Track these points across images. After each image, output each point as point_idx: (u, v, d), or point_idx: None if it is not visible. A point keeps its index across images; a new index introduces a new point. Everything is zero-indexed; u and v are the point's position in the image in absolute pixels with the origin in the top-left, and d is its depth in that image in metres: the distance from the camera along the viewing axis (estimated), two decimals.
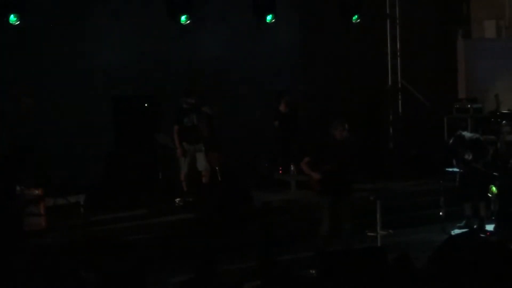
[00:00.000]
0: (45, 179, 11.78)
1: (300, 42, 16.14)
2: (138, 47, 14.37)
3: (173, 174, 13.32)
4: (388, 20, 16.77)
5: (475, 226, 11.91)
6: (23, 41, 13.12)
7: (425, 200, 13.31)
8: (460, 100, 16.57)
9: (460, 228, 11.97)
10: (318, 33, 16.06)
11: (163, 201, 12.97)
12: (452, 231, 11.78)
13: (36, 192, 11.29)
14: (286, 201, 13.11)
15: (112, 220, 11.89)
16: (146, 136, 14.04)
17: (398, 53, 16.77)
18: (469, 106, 15.96)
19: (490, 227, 11.98)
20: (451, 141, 12.41)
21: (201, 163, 12.93)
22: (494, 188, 12.24)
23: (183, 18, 13.46)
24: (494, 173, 12.19)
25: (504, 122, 15.18)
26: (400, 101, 16.86)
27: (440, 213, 12.23)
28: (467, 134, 12.34)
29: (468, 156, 12.03)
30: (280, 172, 14.43)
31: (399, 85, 16.80)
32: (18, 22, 11.86)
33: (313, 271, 9.11)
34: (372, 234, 11.27)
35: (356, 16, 15.13)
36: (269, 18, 14.32)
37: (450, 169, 12.30)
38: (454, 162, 12.29)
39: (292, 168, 13.81)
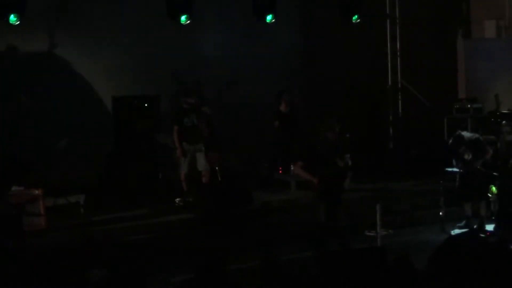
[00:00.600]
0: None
1: (300, 42, 16.15)
2: (138, 47, 14.38)
3: (173, 174, 13.31)
4: (388, 20, 16.77)
5: (475, 226, 11.91)
6: (23, 40, 13.12)
7: (425, 200, 13.31)
8: (460, 100, 16.57)
9: (460, 228, 11.97)
10: (318, 33, 16.06)
11: (163, 201, 12.97)
12: (452, 231, 11.78)
13: (36, 192, 11.28)
14: (286, 201, 13.10)
15: (112, 220, 11.89)
16: (146, 136, 14.03)
17: (398, 53, 16.76)
18: (469, 106, 15.96)
19: (490, 227, 11.99)
20: (450, 141, 12.41)
21: (201, 163, 12.93)
22: (494, 188, 12.24)
23: (183, 18, 13.45)
24: (494, 173, 12.19)
25: (504, 122, 15.18)
26: (400, 101, 16.85)
27: (440, 213, 12.24)
28: (466, 134, 12.34)
29: (468, 156, 12.03)
30: (280, 172, 14.42)
31: (399, 85, 16.80)
32: (18, 22, 11.83)
33: (313, 271, 9.10)
34: (372, 234, 11.28)
35: (356, 16, 15.12)
36: (269, 18, 14.31)
37: (450, 169, 12.30)
38: (454, 162, 12.30)
39: (292, 168, 13.78)
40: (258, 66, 15.35)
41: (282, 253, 10.30)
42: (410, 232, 12.15)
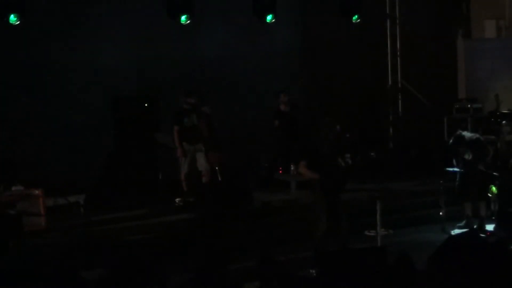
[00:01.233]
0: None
1: (300, 42, 16.14)
2: (138, 47, 14.38)
3: (173, 174, 13.31)
4: (388, 20, 16.78)
5: (475, 226, 11.90)
6: (23, 41, 13.12)
7: (425, 200, 13.31)
8: (460, 100, 16.59)
9: (460, 228, 11.96)
10: (318, 33, 16.06)
11: (163, 201, 12.97)
12: (452, 231, 11.77)
13: (36, 192, 11.28)
14: (286, 201, 13.09)
15: (112, 220, 11.87)
16: (146, 136, 14.03)
17: (398, 53, 16.78)
18: (469, 106, 15.97)
19: (490, 227, 11.98)
20: (451, 141, 12.40)
21: (201, 163, 12.92)
22: (494, 188, 12.24)
23: (183, 18, 13.44)
24: (494, 173, 12.19)
25: (504, 122, 15.19)
26: (400, 101, 16.86)
27: (440, 213, 12.23)
28: (467, 134, 12.33)
29: (468, 156, 12.03)
30: (280, 172, 14.41)
31: (399, 85, 16.80)
32: (18, 22, 11.83)
33: (313, 271, 9.11)
34: (372, 234, 11.28)
35: (356, 16, 15.11)
36: (269, 18, 14.30)
37: (451, 169, 12.28)
38: (454, 162, 12.29)
39: (292, 168, 13.79)
40: (258, 66, 15.36)
41: (282, 253, 10.32)
42: (410, 232, 12.14)
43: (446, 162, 12.66)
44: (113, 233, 11.31)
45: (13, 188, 11.30)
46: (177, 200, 12.93)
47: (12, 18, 11.79)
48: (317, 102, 15.87)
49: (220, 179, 13.29)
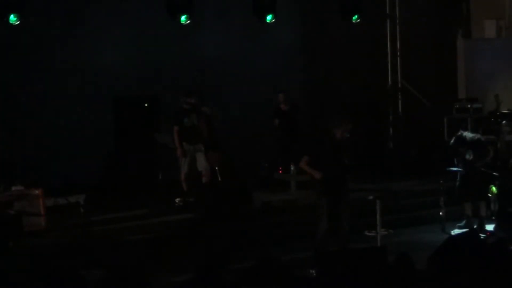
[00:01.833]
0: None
1: (300, 42, 16.14)
2: (138, 47, 14.39)
3: (173, 174, 13.31)
4: (388, 20, 16.77)
5: (475, 226, 11.89)
6: (23, 41, 13.12)
7: (425, 200, 13.30)
8: (460, 100, 16.57)
9: (460, 228, 11.96)
10: (318, 33, 16.07)
11: (163, 201, 12.96)
12: (452, 231, 11.78)
13: (36, 192, 11.28)
14: (286, 201, 13.09)
15: (112, 220, 11.87)
16: (146, 136, 14.03)
17: (398, 53, 16.77)
18: (469, 106, 15.96)
19: (490, 227, 11.98)
20: (452, 141, 12.39)
21: (201, 163, 12.91)
22: (494, 188, 12.23)
23: (183, 18, 13.42)
24: (494, 173, 12.18)
25: (504, 122, 15.18)
26: (400, 101, 16.85)
27: (440, 213, 12.22)
28: (468, 134, 12.31)
29: (469, 156, 12.02)
30: (280, 172, 14.40)
31: (399, 85, 16.79)
32: (18, 22, 11.82)
33: (313, 271, 9.11)
34: (372, 234, 11.27)
35: (356, 16, 15.08)
36: (269, 18, 14.28)
37: (454, 169, 12.25)
38: (455, 161, 12.28)
39: (292, 168, 13.79)
40: (258, 66, 15.36)
41: (282, 253, 10.32)
42: (410, 232, 12.14)
43: (446, 162, 12.65)
44: (113, 233, 11.31)
45: (13, 188, 11.29)
46: (177, 200, 12.93)
47: (12, 18, 11.78)
48: (316, 102, 15.86)
49: (220, 179, 13.29)
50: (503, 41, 17.39)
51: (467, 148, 12.03)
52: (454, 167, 12.25)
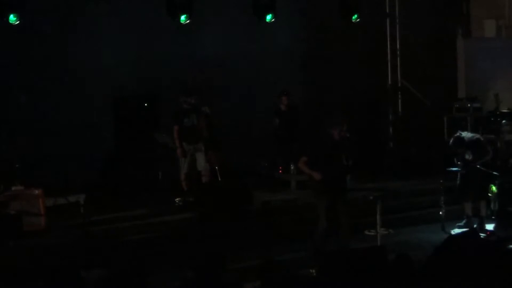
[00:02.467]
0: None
1: (300, 41, 16.13)
2: (138, 47, 14.38)
3: (173, 174, 13.31)
4: (387, 19, 16.75)
5: (475, 226, 11.89)
6: (23, 40, 13.11)
7: (425, 200, 13.30)
8: (460, 99, 16.56)
9: (460, 227, 11.96)
10: (318, 32, 16.05)
11: (163, 201, 12.96)
12: (452, 231, 11.77)
13: (36, 192, 11.28)
14: (286, 201, 13.09)
15: (112, 220, 11.88)
16: (146, 136, 14.03)
17: (398, 53, 16.75)
18: (469, 105, 15.94)
19: (490, 227, 11.98)
20: (451, 141, 12.37)
21: (201, 162, 12.92)
22: (494, 188, 12.23)
23: (183, 17, 13.44)
24: (494, 173, 12.17)
25: (504, 121, 15.17)
26: (400, 100, 16.84)
27: (440, 213, 12.22)
28: (467, 135, 12.30)
29: (469, 156, 12.01)
30: (280, 171, 14.41)
31: (399, 85, 16.78)
32: (18, 22, 11.82)
33: (313, 271, 9.11)
34: (372, 233, 11.27)
35: (356, 16, 15.10)
36: (269, 17, 14.29)
37: (455, 169, 12.24)
38: (455, 161, 12.28)
39: (292, 168, 13.79)
40: (258, 66, 15.35)
41: (282, 253, 10.32)
42: (410, 231, 12.14)
43: (446, 161, 12.65)
44: (113, 233, 11.30)
45: (13, 188, 11.29)
46: (177, 200, 12.93)
47: (12, 18, 11.80)
48: (316, 101, 15.85)
49: (220, 178, 13.28)
50: (503, 40, 17.36)
51: (466, 148, 12.03)
52: (454, 166, 12.25)
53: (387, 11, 16.71)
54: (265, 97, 15.00)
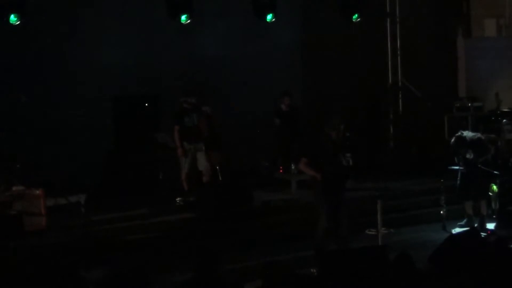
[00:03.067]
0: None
1: (301, 41, 16.12)
2: (138, 47, 14.37)
3: (174, 174, 13.30)
4: (388, 19, 16.74)
5: (476, 225, 11.88)
6: (23, 40, 13.10)
7: (425, 199, 13.29)
8: (461, 99, 16.55)
9: (461, 227, 11.94)
10: (318, 32, 16.04)
11: (163, 200, 12.93)
12: (453, 230, 11.76)
13: (37, 192, 11.27)
14: (286, 200, 13.08)
15: (113, 220, 11.83)
16: (146, 135, 14.02)
17: (399, 52, 16.73)
18: (469, 104, 15.94)
19: (491, 226, 11.97)
20: (452, 141, 12.35)
21: (202, 162, 12.91)
22: (495, 187, 12.22)
23: (183, 17, 13.41)
24: (495, 172, 12.16)
25: (504, 120, 15.16)
26: (400, 100, 16.82)
27: (441, 212, 12.21)
28: (468, 134, 12.28)
29: (470, 156, 11.99)
30: (280, 171, 14.40)
31: (400, 84, 16.76)
32: (18, 22, 11.81)
33: (314, 271, 9.09)
34: (372, 232, 11.26)
35: (356, 15, 15.08)
36: (269, 17, 14.28)
37: (456, 168, 12.22)
38: (456, 160, 12.26)
39: (292, 168, 13.78)
40: (258, 65, 15.33)
41: (282, 253, 10.31)
42: (411, 230, 12.13)
43: (446, 160, 12.63)
44: (113, 232, 11.28)
45: (14, 188, 11.28)
46: (177, 199, 12.91)
47: (12, 18, 11.77)
48: (317, 101, 15.84)
49: (220, 178, 13.27)
50: (504, 40, 17.35)
51: (467, 148, 12.01)
52: (455, 165, 12.23)
53: (388, 10, 16.70)
54: (265, 97, 14.98)
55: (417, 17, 16.81)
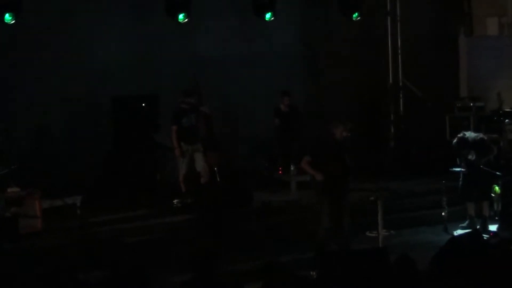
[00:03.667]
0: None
1: (300, 40, 16.05)
2: (137, 46, 14.33)
3: (172, 175, 13.23)
4: (389, 18, 16.67)
5: (478, 227, 11.78)
6: (20, 40, 13.04)
7: (427, 200, 13.19)
8: (462, 99, 16.49)
9: (463, 228, 11.87)
10: (318, 31, 15.99)
11: (161, 202, 12.90)
12: (455, 232, 11.69)
13: (33, 193, 11.18)
14: (286, 201, 13.02)
15: (110, 221, 11.83)
16: (144, 136, 13.95)
17: (399, 51, 16.67)
18: (471, 104, 15.89)
19: (493, 227, 11.88)
20: (454, 142, 12.24)
21: (200, 163, 12.85)
22: (497, 188, 12.13)
23: (181, 16, 13.39)
24: (497, 173, 12.05)
25: (507, 120, 15.08)
26: (401, 100, 16.75)
27: (443, 213, 12.12)
28: (470, 135, 12.18)
29: (472, 157, 11.89)
30: (280, 172, 14.34)
31: (400, 84, 16.69)
32: (14, 21, 11.75)
33: (314, 272, 9.00)
34: (373, 234, 11.18)
35: (356, 14, 15.04)
36: (268, 16, 14.24)
37: (458, 169, 12.12)
38: (458, 161, 12.17)
39: (292, 168, 13.73)
40: (258, 65, 15.26)
41: (282, 254, 10.23)
42: (412, 232, 12.05)
43: (448, 161, 12.54)
44: (110, 234, 11.24)
45: (9, 190, 11.20)
46: (175, 201, 12.86)
47: (7, 17, 11.74)
48: (316, 101, 15.79)
49: (218, 179, 13.17)
50: (506, 39, 17.27)
51: (469, 148, 11.91)
52: (457, 167, 12.14)
53: (388, 9, 16.64)
54: (265, 96, 14.92)
55: (418, 16, 16.74)
